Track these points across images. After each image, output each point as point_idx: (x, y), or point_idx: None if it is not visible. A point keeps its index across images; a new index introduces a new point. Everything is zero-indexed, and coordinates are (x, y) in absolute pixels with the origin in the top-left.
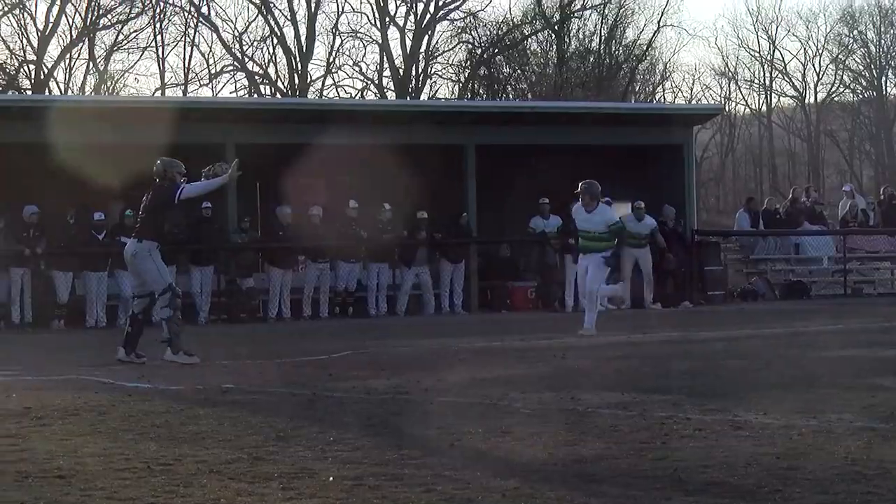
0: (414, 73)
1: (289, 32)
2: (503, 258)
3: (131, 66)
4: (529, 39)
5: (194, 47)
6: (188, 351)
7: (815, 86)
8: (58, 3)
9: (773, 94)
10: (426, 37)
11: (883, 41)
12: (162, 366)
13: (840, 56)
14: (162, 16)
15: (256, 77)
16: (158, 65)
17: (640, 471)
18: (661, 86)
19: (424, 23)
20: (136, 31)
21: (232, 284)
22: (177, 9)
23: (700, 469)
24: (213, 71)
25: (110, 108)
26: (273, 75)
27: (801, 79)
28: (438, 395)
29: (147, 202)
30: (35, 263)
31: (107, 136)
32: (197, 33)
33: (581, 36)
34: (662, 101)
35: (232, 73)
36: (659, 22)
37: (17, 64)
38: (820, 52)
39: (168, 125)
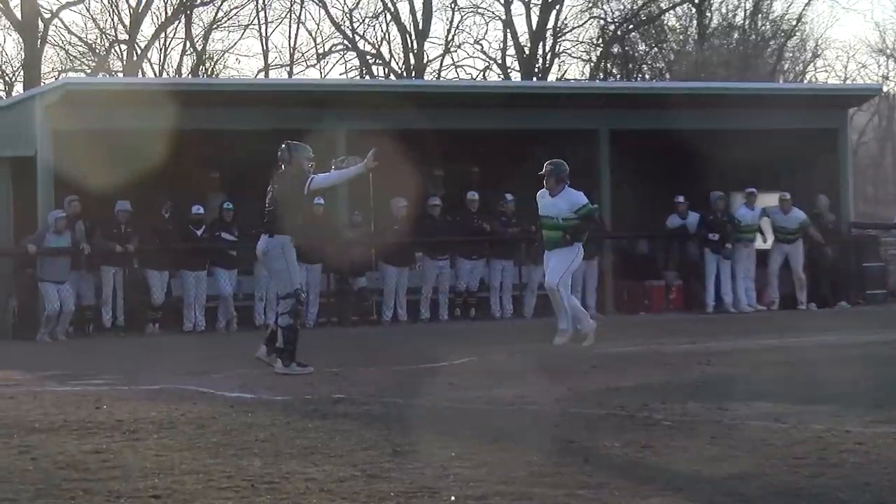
0: (540, 51)
1: (403, 8)
2: (640, 255)
3: (231, 46)
4: (667, 14)
5: (300, 25)
6: (301, 362)
7: None
8: None
9: None
10: (554, 12)
11: None
12: (265, 373)
13: None
14: None
15: (368, 57)
16: (261, 44)
17: (794, 489)
18: (812, 64)
19: None
20: (236, 7)
21: (343, 284)
22: None
23: (861, 488)
24: (321, 51)
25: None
26: (386, 55)
27: None
28: (570, 406)
29: (274, 192)
30: (128, 262)
31: (200, 122)
32: (303, 9)
33: (724, 10)
34: (814, 80)
35: (342, 52)
36: None
37: (107, 44)
38: None
39: (269, 109)
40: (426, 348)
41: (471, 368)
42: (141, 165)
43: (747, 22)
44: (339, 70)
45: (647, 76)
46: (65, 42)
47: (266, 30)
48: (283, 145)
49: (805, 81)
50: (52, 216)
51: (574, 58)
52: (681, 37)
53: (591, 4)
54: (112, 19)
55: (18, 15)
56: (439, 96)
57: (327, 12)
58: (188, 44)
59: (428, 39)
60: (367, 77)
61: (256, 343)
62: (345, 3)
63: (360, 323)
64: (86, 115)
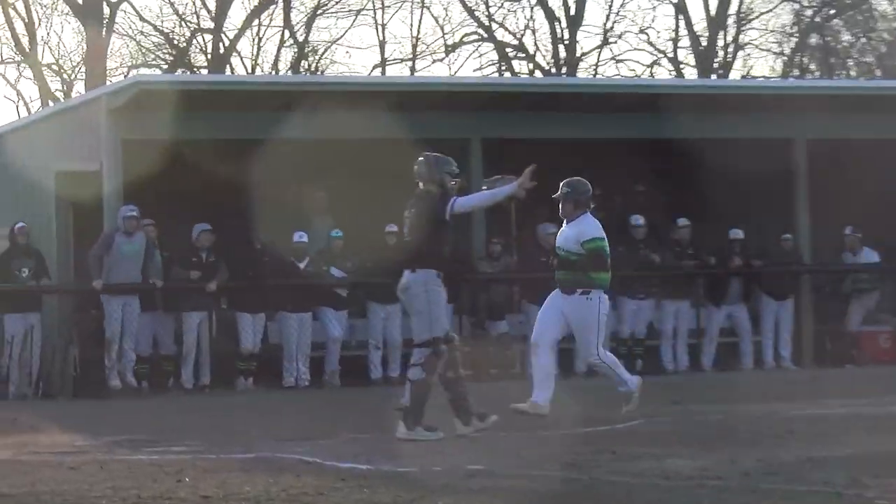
0: (720, 42)
1: None
2: (845, 294)
3: (340, 36)
4: None
5: (425, 11)
6: (430, 426)
7: None
8: None
9: None
10: None
11: None
12: (385, 440)
13: None
14: None
15: (508, 50)
16: (377, 34)
17: None
18: None
19: None
20: None
21: (478, 329)
22: None
23: None
24: (449, 42)
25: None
26: (530, 47)
27: None
28: (762, 481)
29: (412, 218)
30: (215, 303)
31: (302, 129)
32: None
33: None
34: None
35: (475, 44)
36: None
37: (188, 34)
38: None
39: (387, 113)
40: (581, 408)
41: (638, 433)
42: (229, 183)
43: None
44: (472, 65)
45: (851, 72)
46: (136, 31)
47: (382, 16)
48: (421, 159)
49: None
50: (122, 212)
51: (762, 50)
52: (894, 25)
53: None
54: (194, 3)
55: None
56: (602, 97)
57: None
58: (287, 33)
59: (582, 28)
60: (507, 74)
61: (371, 400)
62: None
63: (499, 376)
64: (162, 121)
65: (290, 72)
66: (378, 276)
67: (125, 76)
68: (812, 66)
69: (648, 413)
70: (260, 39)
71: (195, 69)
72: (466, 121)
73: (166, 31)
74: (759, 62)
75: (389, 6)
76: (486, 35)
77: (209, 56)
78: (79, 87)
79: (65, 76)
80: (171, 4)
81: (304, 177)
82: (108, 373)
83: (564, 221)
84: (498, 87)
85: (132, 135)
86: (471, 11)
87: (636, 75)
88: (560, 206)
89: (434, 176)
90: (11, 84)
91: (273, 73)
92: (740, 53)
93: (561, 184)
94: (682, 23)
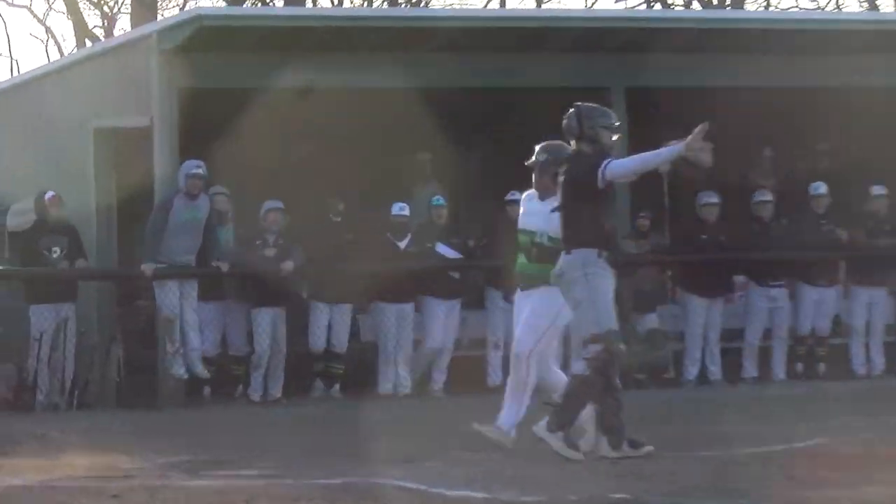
0: None
1: None
2: None
3: None
4: None
5: None
6: (574, 440)
7: None
8: None
9: None
10: None
11: None
12: (503, 459)
13: None
14: None
15: None
16: None
17: None
18: None
19: None
20: None
21: (622, 324)
22: None
23: None
24: None
25: None
26: None
27: None
28: None
29: (565, 184)
30: (294, 294)
31: (423, 77)
32: None
33: None
34: None
35: None
36: None
37: None
38: None
39: (511, 56)
40: (748, 423)
41: (822, 454)
42: (311, 142)
43: None
44: None
45: None
46: None
47: None
48: (572, 110)
49: None
50: (185, 168)
51: None
52: None
53: None
54: None
55: None
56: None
57: None
58: None
59: None
60: (657, 6)
61: (488, 411)
62: None
63: (649, 383)
64: (228, 65)
65: (385, 4)
66: (499, 256)
67: (181, 9)
68: None
69: (832, 429)
70: None
71: (269, 1)
72: (606, 66)
73: None
74: None
75: None
76: None
77: None
78: (123, 23)
79: (106, 9)
80: None
81: (402, 137)
82: (171, 359)
83: (536, 197)
84: (647, 23)
85: (191, 82)
86: None
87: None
88: (534, 177)
89: (586, 131)
90: (39, 19)
91: (364, 4)
92: None
93: (536, 149)
94: None
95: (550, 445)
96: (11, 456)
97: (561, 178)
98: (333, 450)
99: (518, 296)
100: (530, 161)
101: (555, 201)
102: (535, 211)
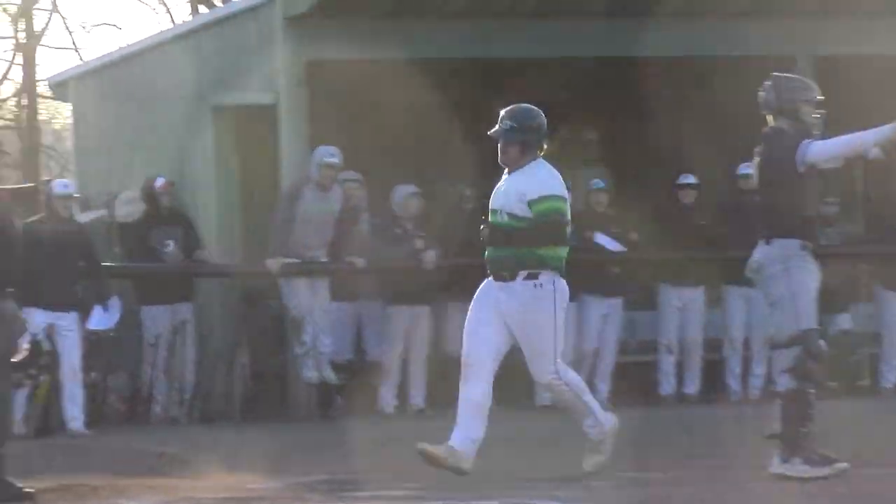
0: None
1: None
2: None
3: None
4: None
5: None
6: (815, 458)
7: None
8: None
9: None
10: None
11: None
12: (683, 477)
13: None
14: None
15: None
16: None
17: None
18: None
19: None
20: None
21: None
22: None
23: None
24: None
25: None
26: None
27: None
28: None
29: (760, 166)
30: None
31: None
32: None
33: None
34: None
35: None
36: None
37: None
38: None
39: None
40: None
41: None
42: (456, 121)
43: None
44: None
45: None
46: None
47: None
48: (768, 82)
49: None
50: (318, 156)
51: None
52: None
53: None
54: None
55: None
56: None
57: None
58: None
59: None
60: None
61: (661, 423)
62: None
63: (841, 393)
64: (367, 35)
65: None
66: (672, 248)
67: None
68: None
69: None
70: None
71: None
72: (789, 31)
73: None
74: None
75: None
76: None
77: None
78: None
79: None
80: None
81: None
82: (301, 362)
83: (505, 172)
84: None
85: (322, 54)
86: None
87: None
88: (500, 149)
89: (785, 106)
90: None
91: None
92: None
93: (501, 115)
94: None
95: (797, 476)
96: (127, 476)
97: (756, 159)
98: (485, 466)
99: (485, 285)
100: (494, 130)
101: (522, 175)
102: (500, 188)
